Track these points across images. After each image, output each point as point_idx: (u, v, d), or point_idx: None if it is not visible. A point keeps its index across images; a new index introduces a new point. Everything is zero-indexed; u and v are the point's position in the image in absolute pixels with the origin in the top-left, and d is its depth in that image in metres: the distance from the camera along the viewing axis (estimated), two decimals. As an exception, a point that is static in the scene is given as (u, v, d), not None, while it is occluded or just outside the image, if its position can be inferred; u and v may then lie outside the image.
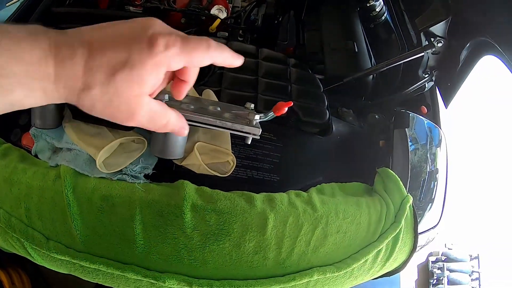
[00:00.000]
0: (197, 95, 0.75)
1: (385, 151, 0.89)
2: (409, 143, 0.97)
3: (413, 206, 0.83)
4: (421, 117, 1.03)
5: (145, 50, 0.36)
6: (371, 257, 0.74)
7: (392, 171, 0.83)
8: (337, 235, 0.71)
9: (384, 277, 0.81)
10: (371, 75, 0.98)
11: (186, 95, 0.68)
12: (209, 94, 0.76)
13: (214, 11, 1.00)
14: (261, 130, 0.57)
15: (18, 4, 0.96)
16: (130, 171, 0.66)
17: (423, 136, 1.03)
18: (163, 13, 1.04)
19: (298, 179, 0.77)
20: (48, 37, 0.35)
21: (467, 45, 0.87)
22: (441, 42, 0.92)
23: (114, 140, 0.65)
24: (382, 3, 1.15)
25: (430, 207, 1.01)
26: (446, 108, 1.02)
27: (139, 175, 0.66)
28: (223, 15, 1.01)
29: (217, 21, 0.98)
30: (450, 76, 0.95)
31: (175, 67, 0.39)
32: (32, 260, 0.66)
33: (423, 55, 0.93)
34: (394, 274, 0.82)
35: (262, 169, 0.74)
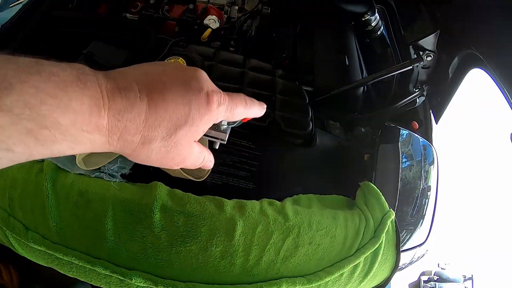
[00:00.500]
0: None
1: (369, 165, 0.91)
2: (403, 159, 0.99)
3: (395, 222, 0.84)
4: (415, 134, 1.05)
5: (203, 107, 0.38)
6: (347, 272, 0.75)
7: (374, 186, 0.85)
8: (309, 246, 0.73)
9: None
10: (362, 89, 1.01)
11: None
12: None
13: (206, 21, 1.06)
14: (227, 136, 0.61)
15: (20, 5, 1.03)
16: (108, 170, 0.71)
17: (418, 153, 1.05)
18: (158, 21, 1.10)
19: (274, 189, 0.80)
20: (99, 84, 0.33)
21: (455, 58, 0.90)
22: (431, 56, 0.94)
23: (95, 140, 0.70)
24: (377, 17, 1.19)
25: (421, 223, 1.01)
26: (436, 123, 1.04)
27: (116, 174, 0.71)
28: (215, 25, 1.06)
29: (208, 31, 1.03)
30: (440, 90, 0.97)
31: (218, 120, 0.44)
32: (14, 250, 0.70)
33: (412, 69, 0.96)
34: (377, 292, 0.82)
35: (238, 176, 0.77)
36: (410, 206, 0.98)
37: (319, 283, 0.72)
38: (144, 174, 0.73)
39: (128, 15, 1.14)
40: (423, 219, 1.01)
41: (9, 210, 0.68)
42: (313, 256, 0.73)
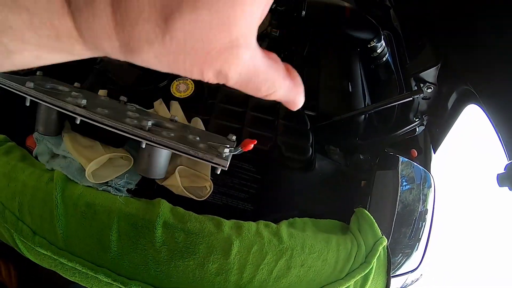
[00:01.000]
0: (186, 122, 0.88)
1: (366, 191, 0.97)
2: (403, 183, 1.05)
3: (387, 248, 0.90)
4: (413, 162, 1.10)
5: None
6: (337, 294, 0.82)
7: (367, 212, 0.91)
8: (301, 268, 0.79)
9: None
10: (363, 116, 1.08)
11: (174, 121, 0.81)
12: (197, 122, 0.88)
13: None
14: (228, 162, 0.68)
15: None
16: (115, 184, 0.79)
17: (418, 176, 1.10)
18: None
19: (272, 211, 0.86)
20: None
21: (454, 92, 0.96)
22: (431, 88, 1.01)
23: (104, 155, 0.78)
24: (383, 44, 1.26)
25: (416, 249, 1.07)
26: (434, 153, 1.10)
27: (122, 188, 0.78)
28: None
29: None
30: (439, 121, 1.04)
31: None
32: (19, 251, 0.78)
33: (413, 100, 1.02)
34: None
35: (238, 197, 0.84)
36: (405, 230, 1.03)
37: None
38: (148, 190, 0.80)
39: None
40: (418, 244, 1.07)
41: (18, 214, 0.76)
42: (304, 277, 0.79)
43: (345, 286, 0.82)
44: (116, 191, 0.78)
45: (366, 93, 1.15)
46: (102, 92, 0.92)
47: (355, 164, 1.01)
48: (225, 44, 0.22)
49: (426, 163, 1.17)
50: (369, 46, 1.23)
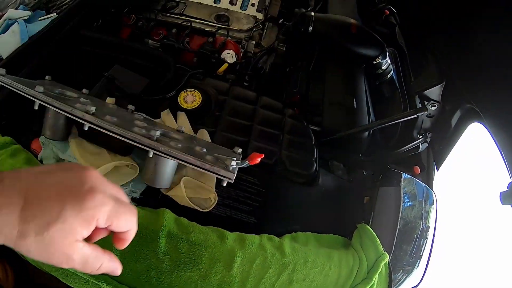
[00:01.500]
0: (192, 133, 0.90)
1: (368, 207, 0.98)
2: (406, 200, 1.06)
3: (389, 265, 0.91)
4: (416, 179, 1.12)
5: (78, 205, 0.41)
6: (339, 309, 0.82)
7: (370, 228, 0.92)
8: (303, 282, 0.80)
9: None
10: (367, 132, 1.09)
11: (181, 132, 0.83)
12: (203, 134, 0.89)
13: (224, 55, 1.16)
14: (235, 175, 0.70)
15: (49, 20, 1.14)
16: (120, 193, 0.80)
17: (420, 193, 1.12)
18: (178, 51, 1.21)
19: (275, 225, 0.87)
20: None
21: (458, 110, 0.98)
22: (435, 106, 1.03)
23: (110, 162, 0.79)
24: (388, 61, 1.28)
25: (418, 264, 1.08)
26: (437, 170, 1.11)
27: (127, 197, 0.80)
28: (232, 59, 1.16)
29: (224, 66, 1.13)
30: (442, 139, 1.06)
31: (101, 224, 0.44)
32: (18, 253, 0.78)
33: (417, 117, 1.04)
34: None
35: (241, 210, 0.85)
36: (406, 247, 1.04)
37: None
38: (153, 200, 0.82)
39: (150, 41, 1.25)
40: (419, 261, 1.08)
41: None
42: None
43: (347, 302, 0.83)
44: (120, 199, 0.79)
45: (370, 109, 1.17)
46: (110, 100, 0.94)
47: (358, 180, 1.02)
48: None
49: (428, 180, 1.19)
50: (374, 63, 1.25)
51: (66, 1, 1.18)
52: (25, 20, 1.13)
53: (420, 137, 1.10)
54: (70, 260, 0.43)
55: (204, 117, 0.94)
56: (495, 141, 0.86)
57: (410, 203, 1.06)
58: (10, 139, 0.90)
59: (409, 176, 1.06)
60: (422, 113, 1.01)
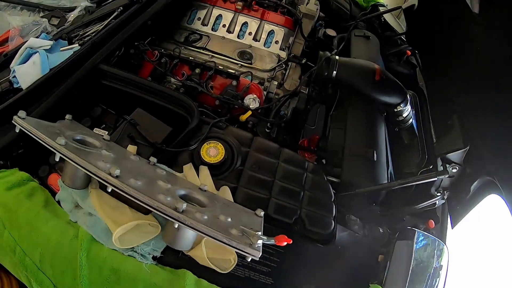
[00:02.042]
0: (215, 190, 0.90)
1: (383, 266, 0.99)
2: (417, 258, 1.06)
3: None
4: (430, 235, 1.12)
5: None
6: None
7: (382, 290, 0.93)
8: None
9: None
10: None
11: (204, 191, 0.83)
12: (225, 192, 0.90)
13: (247, 100, 1.16)
14: (260, 253, 0.70)
15: (71, 51, 1.13)
16: (141, 250, 0.81)
17: (431, 253, 1.12)
18: (199, 94, 1.21)
19: (291, 285, 0.88)
20: None
21: (478, 179, 0.98)
22: (456, 168, 1.03)
23: (132, 219, 0.80)
24: (409, 109, 1.28)
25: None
26: (452, 228, 1.12)
27: (147, 255, 0.80)
28: (255, 104, 1.16)
29: (248, 114, 1.14)
30: (460, 200, 1.06)
31: None
32: None
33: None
34: None
35: (260, 271, 0.86)
36: (427, 283, 1.04)
37: None
38: (174, 259, 0.82)
39: (172, 79, 1.25)
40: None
41: (39, 264, 0.78)
42: None
43: None
44: (141, 257, 0.80)
45: (389, 159, 1.17)
46: (131, 148, 0.94)
47: (374, 237, 1.03)
48: None
49: (442, 233, 1.19)
50: (395, 110, 1.25)
51: (88, 32, 1.17)
52: (46, 50, 1.12)
53: (438, 194, 1.10)
54: None
55: (226, 171, 0.95)
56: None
57: (421, 264, 1.07)
58: (26, 175, 0.90)
59: (423, 233, 1.07)
60: (443, 176, 1.01)
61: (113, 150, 0.88)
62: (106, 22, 1.19)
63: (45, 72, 1.06)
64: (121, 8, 1.23)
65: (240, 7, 1.49)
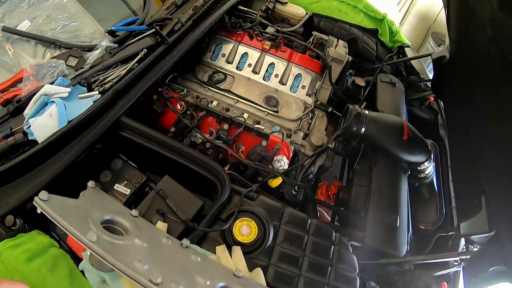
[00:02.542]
0: (248, 272, 0.90)
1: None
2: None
3: None
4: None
5: None
6: None
7: None
8: None
9: None
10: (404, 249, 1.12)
11: (238, 277, 0.83)
12: (258, 276, 0.90)
13: (276, 160, 1.13)
14: None
15: (90, 100, 1.06)
16: None
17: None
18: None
19: None
20: None
21: (495, 266, 1.01)
22: (477, 248, 1.06)
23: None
24: (432, 166, 1.28)
25: None
26: (464, 288, 1.16)
27: None
28: (283, 166, 1.13)
29: (278, 181, 1.11)
30: (475, 275, 1.09)
31: None
32: None
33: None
34: None
35: None
36: None
37: None
38: None
39: (199, 134, 1.20)
40: None
41: None
42: None
43: None
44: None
45: (410, 219, 1.19)
46: (161, 226, 0.92)
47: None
48: None
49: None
50: (419, 168, 1.25)
51: (109, 78, 1.08)
52: (63, 98, 1.03)
53: (456, 263, 1.13)
54: None
55: (258, 248, 0.94)
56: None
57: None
58: (47, 240, 0.89)
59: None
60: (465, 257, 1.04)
61: (144, 233, 0.85)
62: (129, 66, 1.10)
63: (63, 125, 0.99)
64: (145, 50, 1.14)
65: (268, 47, 1.43)
